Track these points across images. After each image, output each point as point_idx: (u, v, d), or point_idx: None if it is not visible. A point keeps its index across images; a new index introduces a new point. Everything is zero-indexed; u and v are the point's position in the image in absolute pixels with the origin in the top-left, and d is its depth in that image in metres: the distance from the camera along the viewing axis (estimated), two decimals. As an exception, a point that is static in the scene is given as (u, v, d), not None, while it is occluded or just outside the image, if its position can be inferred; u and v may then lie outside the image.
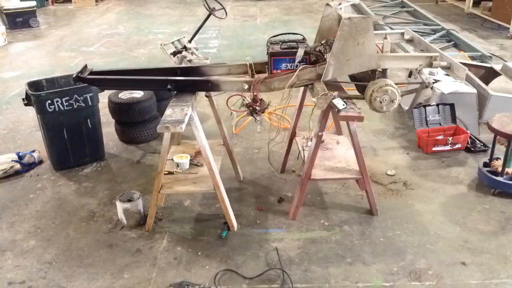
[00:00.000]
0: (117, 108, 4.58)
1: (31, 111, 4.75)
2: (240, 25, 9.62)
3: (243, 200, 3.77)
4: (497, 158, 3.91)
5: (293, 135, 4.00)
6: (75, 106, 4.08)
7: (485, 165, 3.91)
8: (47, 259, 3.17)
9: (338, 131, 3.98)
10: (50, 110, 3.99)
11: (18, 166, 4.21)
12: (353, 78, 3.31)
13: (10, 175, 4.16)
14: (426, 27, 9.01)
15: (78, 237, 3.38)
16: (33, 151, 4.40)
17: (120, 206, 3.43)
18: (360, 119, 2.97)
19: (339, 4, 3.38)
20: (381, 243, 3.24)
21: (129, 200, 3.48)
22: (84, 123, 4.21)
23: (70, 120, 4.12)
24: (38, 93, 3.98)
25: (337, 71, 3.01)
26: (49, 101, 3.97)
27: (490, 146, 3.98)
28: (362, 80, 3.18)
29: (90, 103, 4.14)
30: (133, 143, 4.74)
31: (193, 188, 3.37)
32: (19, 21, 9.81)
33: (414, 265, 3.03)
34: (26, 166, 4.27)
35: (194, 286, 2.90)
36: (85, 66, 3.39)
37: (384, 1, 11.48)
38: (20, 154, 4.30)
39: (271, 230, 3.40)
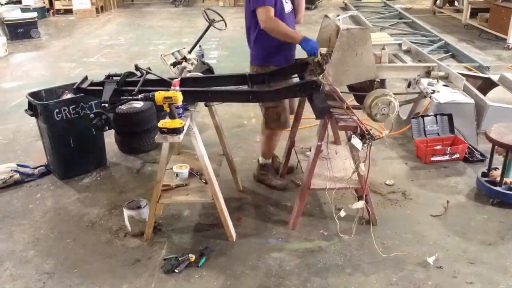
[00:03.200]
0: (116, 118, 4.59)
1: (31, 122, 4.77)
2: (240, 37, 9.64)
3: (242, 210, 3.78)
4: (496, 168, 3.92)
5: (291, 145, 4.02)
6: (81, 114, 4.12)
7: (484, 175, 3.92)
8: (46, 270, 3.16)
9: (337, 141, 4.00)
10: (57, 119, 4.01)
11: (17, 176, 4.21)
12: (351, 88, 3.34)
13: (9, 185, 4.17)
14: (424, 38, 9.08)
15: (77, 248, 3.38)
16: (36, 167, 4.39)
17: (126, 213, 3.44)
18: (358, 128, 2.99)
19: (338, 15, 3.41)
20: (381, 253, 3.23)
21: (138, 208, 3.49)
22: (89, 131, 4.22)
23: (76, 128, 4.15)
24: (46, 103, 4.01)
25: (336, 81, 3.03)
26: (57, 110, 3.99)
27: (488, 156, 3.99)
28: (360, 90, 3.20)
29: (95, 110, 4.16)
30: (133, 153, 4.75)
31: (192, 198, 3.38)
32: (20, 32, 9.87)
33: (413, 275, 3.03)
34: (26, 176, 4.27)
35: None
36: (86, 77, 3.43)
37: (382, 12, 11.57)
38: (25, 165, 4.35)
39: (270, 240, 3.40)
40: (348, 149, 3.34)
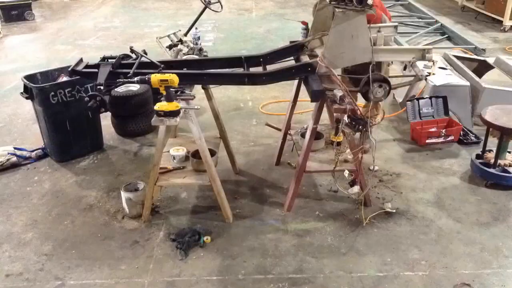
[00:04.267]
0: (113, 101, 4.58)
1: (27, 105, 4.75)
2: (236, 19, 9.60)
3: (239, 192, 3.81)
4: (490, 150, 3.95)
5: (287, 128, 4.03)
6: (76, 97, 4.11)
7: (478, 157, 3.96)
8: (45, 251, 3.20)
9: (333, 124, 4.01)
10: (53, 102, 4.01)
11: (14, 159, 4.22)
12: (346, 71, 3.34)
13: (6, 168, 4.18)
14: (420, 20, 9.04)
15: (76, 230, 3.41)
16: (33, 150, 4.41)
17: (123, 195, 3.47)
18: (353, 111, 3.01)
19: None
20: (375, 234, 3.28)
21: (136, 190, 3.52)
22: (85, 114, 4.25)
23: (72, 111, 4.15)
24: (42, 86, 4.00)
25: (331, 64, 3.03)
26: (53, 93, 3.99)
27: (483, 138, 4.03)
28: (356, 73, 3.21)
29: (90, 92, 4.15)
30: (130, 136, 4.75)
31: (189, 180, 3.40)
32: (14, 14, 9.74)
33: (407, 255, 3.08)
34: (23, 159, 4.28)
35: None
36: (81, 60, 3.42)
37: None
38: (22, 148, 4.37)
39: (267, 222, 3.44)
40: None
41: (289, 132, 4.03)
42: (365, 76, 3.04)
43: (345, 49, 2.96)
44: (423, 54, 3.05)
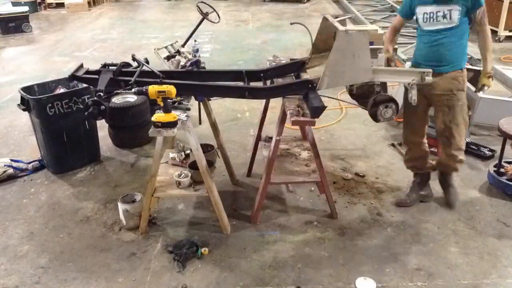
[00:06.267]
0: (110, 112, 4.56)
1: (24, 116, 4.73)
2: (233, 30, 9.64)
3: (237, 203, 3.80)
4: (510, 162, 3.98)
5: (258, 139, 4.03)
6: (74, 109, 4.11)
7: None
8: (41, 264, 3.17)
9: (304, 136, 3.98)
10: (50, 113, 4.00)
11: (11, 171, 4.20)
12: (353, 95, 3.32)
13: (3, 180, 4.15)
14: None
15: (72, 242, 3.38)
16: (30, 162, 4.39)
17: (120, 207, 3.45)
18: (311, 123, 3.02)
19: (336, 17, 3.38)
20: (374, 245, 3.27)
21: (133, 201, 3.50)
22: (82, 125, 4.24)
23: (69, 122, 4.14)
24: (39, 97, 4.00)
25: (332, 82, 3.03)
26: (50, 105, 3.98)
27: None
28: (361, 95, 3.19)
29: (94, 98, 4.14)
30: (127, 147, 4.74)
31: (187, 191, 3.39)
32: (11, 26, 9.76)
33: (406, 266, 3.07)
34: (19, 171, 4.26)
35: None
36: (81, 65, 3.41)
37: (374, 5, 11.56)
38: (18, 160, 4.35)
39: (265, 233, 3.43)
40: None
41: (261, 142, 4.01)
42: (371, 99, 3.05)
43: (346, 68, 2.95)
44: (422, 77, 3.06)
